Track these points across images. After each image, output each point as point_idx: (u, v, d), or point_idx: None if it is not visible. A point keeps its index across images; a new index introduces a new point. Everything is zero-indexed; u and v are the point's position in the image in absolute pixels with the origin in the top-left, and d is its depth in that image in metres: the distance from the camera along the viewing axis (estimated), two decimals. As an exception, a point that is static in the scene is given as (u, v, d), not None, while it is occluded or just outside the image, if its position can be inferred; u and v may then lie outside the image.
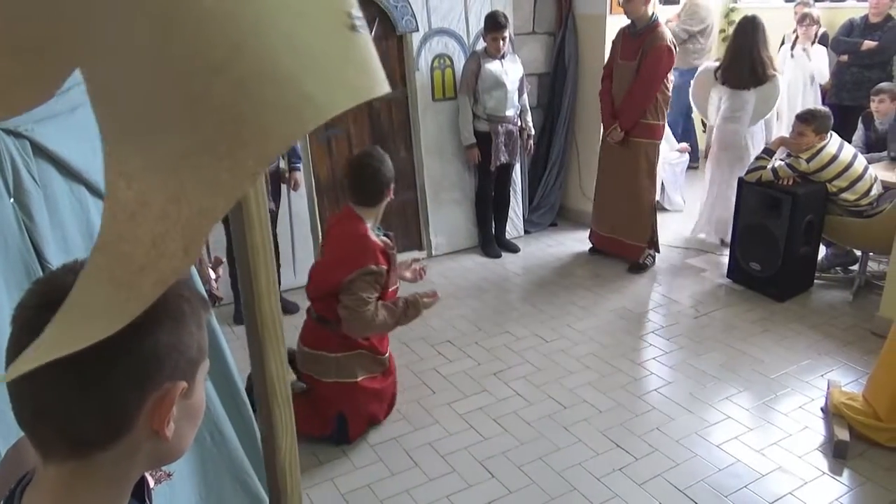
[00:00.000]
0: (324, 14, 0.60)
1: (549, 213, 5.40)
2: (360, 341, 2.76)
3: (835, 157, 3.83)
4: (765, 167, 3.98)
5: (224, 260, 2.83)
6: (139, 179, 0.56)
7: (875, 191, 3.87)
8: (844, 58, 5.34)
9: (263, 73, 0.55)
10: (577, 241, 5.08)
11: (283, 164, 3.91)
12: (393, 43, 4.45)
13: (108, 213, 0.58)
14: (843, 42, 5.36)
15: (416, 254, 4.67)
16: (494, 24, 4.27)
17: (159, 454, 0.75)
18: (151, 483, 0.94)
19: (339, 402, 2.78)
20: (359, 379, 2.77)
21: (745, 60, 4.34)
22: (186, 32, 0.54)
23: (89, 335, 0.58)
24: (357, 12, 0.63)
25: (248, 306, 0.81)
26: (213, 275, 2.53)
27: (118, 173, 0.57)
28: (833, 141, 3.88)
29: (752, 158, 4.22)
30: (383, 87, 0.63)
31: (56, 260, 1.40)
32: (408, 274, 2.94)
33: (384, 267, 2.63)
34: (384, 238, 2.78)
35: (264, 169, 0.57)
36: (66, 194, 1.47)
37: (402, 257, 4.71)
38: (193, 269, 1.88)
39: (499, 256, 4.85)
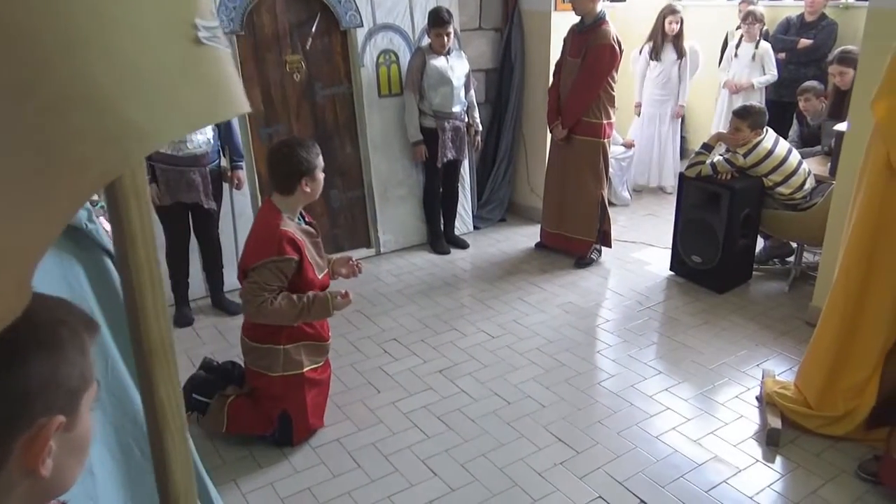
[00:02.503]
0: (159, 25, 0.52)
1: (498, 208, 5.43)
2: (305, 330, 2.72)
3: (770, 152, 3.93)
4: (704, 162, 4.07)
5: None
6: None
7: (809, 185, 3.99)
8: (782, 55, 5.48)
9: (76, 96, 0.48)
10: (526, 237, 5.11)
11: (224, 163, 3.82)
12: (337, 38, 4.39)
13: None
14: (781, 40, 5.51)
15: (373, 255, 4.62)
16: (437, 19, 4.26)
17: (38, 492, 0.70)
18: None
19: (284, 399, 2.73)
20: (305, 370, 2.75)
21: None
22: None
23: None
24: (208, 21, 0.56)
25: (135, 331, 0.76)
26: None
27: None
28: (769, 136, 3.98)
29: None
30: (236, 108, 0.56)
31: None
32: (343, 270, 2.89)
33: (292, 257, 2.55)
34: (306, 227, 2.72)
35: (80, 207, 0.50)
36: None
37: (355, 255, 4.67)
38: (114, 272, 1.81)
39: (447, 253, 4.85)
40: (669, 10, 5.47)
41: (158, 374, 0.77)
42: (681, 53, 5.53)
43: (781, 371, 3.29)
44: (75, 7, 0.49)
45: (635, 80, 5.81)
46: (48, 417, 0.65)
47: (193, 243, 3.89)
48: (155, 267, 0.75)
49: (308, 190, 2.62)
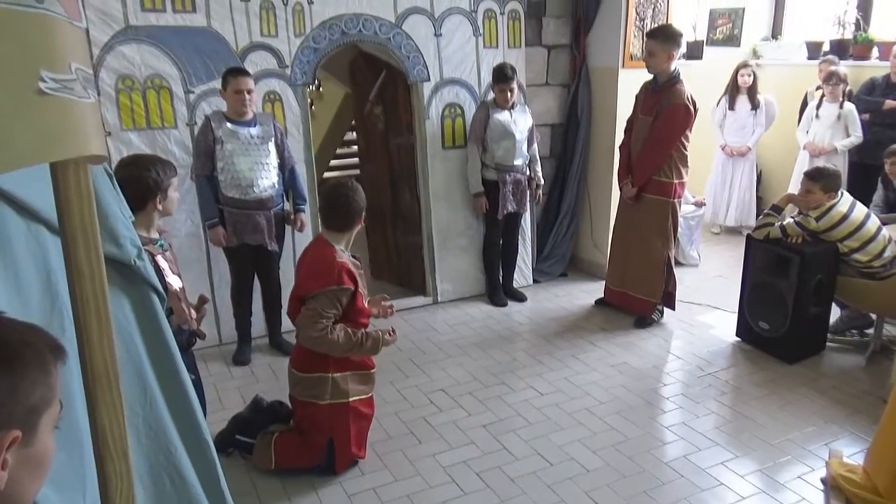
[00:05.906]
0: (5, 75, 0.59)
1: (559, 263, 5.36)
2: (352, 360, 2.84)
3: (846, 217, 3.73)
4: (773, 224, 3.90)
5: (209, 298, 2.87)
6: None
7: (889, 252, 3.75)
8: (865, 116, 5.25)
9: None
10: (587, 293, 5.01)
11: (287, 206, 3.97)
12: (402, 92, 4.54)
13: None
14: (865, 101, 5.28)
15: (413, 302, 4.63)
16: (501, 76, 4.34)
17: None
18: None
19: (330, 428, 2.84)
20: (350, 400, 2.85)
21: None
22: None
23: None
24: (58, 74, 0.61)
25: (82, 359, 0.80)
26: (193, 314, 2.56)
27: None
28: (844, 200, 3.78)
29: None
30: (74, 151, 0.61)
31: (4, 300, 1.42)
32: (375, 310, 3.01)
33: (349, 287, 2.73)
34: (352, 259, 2.89)
35: None
36: (23, 233, 1.49)
37: (400, 302, 4.71)
38: (158, 307, 1.89)
39: (505, 305, 4.81)
40: (742, 65, 6.01)
41: (101, 401, 0.81)
42: (755, 105, 5.94)
43: (853, 453, 3.03)
44: None
45: (714, 127, 6.18)
46: (4, 431, 0.69)
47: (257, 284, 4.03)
48: (102, 302, 0.79)
49: (359, 226, 2.89)
